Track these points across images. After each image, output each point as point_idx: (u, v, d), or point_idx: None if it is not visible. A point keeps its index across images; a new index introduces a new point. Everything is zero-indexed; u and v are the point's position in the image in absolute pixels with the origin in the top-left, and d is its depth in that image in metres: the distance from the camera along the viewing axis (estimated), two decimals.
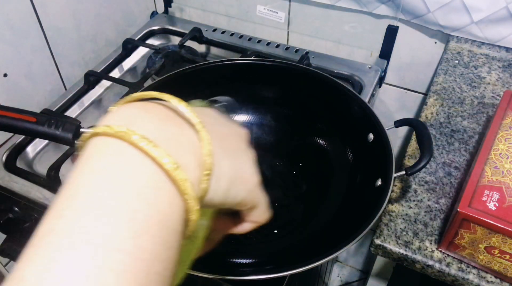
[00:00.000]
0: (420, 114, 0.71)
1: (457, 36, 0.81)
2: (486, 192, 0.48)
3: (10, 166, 0.70)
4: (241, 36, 0.94)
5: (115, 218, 0.20)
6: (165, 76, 0.65)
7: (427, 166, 0.60)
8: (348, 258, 1.43)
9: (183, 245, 0.24)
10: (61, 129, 0.55)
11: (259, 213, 0.32)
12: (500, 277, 0.51)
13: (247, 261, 0.54)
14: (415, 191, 0.59)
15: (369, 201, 0.51)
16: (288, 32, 0.96)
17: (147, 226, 0.21)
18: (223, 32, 0.95)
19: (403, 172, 0.52)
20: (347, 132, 0.64)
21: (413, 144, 0.65)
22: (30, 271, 0.19)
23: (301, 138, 0.69)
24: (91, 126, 0.74)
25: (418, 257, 0.53)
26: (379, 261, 0.70)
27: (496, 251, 0.48)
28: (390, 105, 1.00)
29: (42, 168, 0.71)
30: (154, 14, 1.04)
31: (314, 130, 0.68)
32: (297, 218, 0.61)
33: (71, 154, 0.71)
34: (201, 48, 0.94)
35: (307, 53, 0.88)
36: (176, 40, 0.96)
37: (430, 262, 0.53)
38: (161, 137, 0.23)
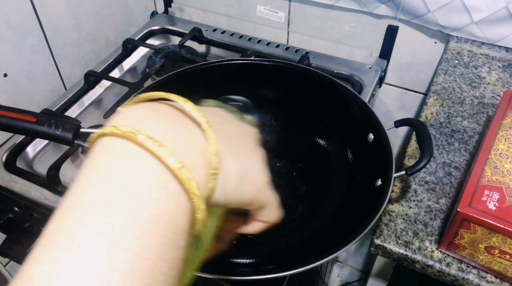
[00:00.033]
0: (420, 114, 0.71)
1: (457, 36, 0.81)
2: (486, 192, 0.48)
3: (10, 166, 0.70)
4: (241, 36, 0.94)
5: (122, 217, 0.20)
6: (165, 76, 0.65)
7: (427, 166, 0.60)
8: (348, 258, 1.44)
9: (190, 245, 0.24)
10: (61, 129, 0.55)
11: (270, 212, 0.32)
12: (500, 277, 0.51)
13: (247, 261, 0.54)
14: (415, 191, 0.59)
15: (369, 201, 0.51)
16: (288, 32, 0.96)
17: (153, 226, 0.21)
18: (223, 32, 0.95)
19: (403, 172, 0.52)
20: (347, 132, 0.64)
21: (413, 144, 0.65)
22: (37, 271, 0.19)
23: (301, 138, 0.69)
24: (94, 126, 0.75)
25: (418, 257, 0.53)
26: (379, 261, 0.70)
27: (496, 251, 0.48)
28: (390, 105, 1.00)
29: (42, 168, 0.71)
30: (154, 14, 1.04)
31: (314, 130, 0.68)
32: (297, 218, 0.61)
33: (71, 154, 0.71)
34: (201, 48, 0.94)
35: (307, 53, 0.88)
36: (176, 40, 0.96)
37: (430, 262, 0.53)
38: (167, 137, 0.23)
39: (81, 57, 0.89)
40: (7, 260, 0.85)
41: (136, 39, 0.94)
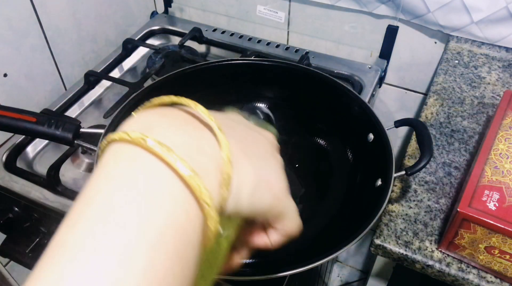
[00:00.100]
0: (420, 114, 0.71)
1: (457, 36, 0.81)
2: (486, 192, 0.48)
3: (10, 166, 0.70)
4: (241, 36, 0.94)
5: (129, 229, 0.20)
6: (165, 76, 0.65)
7: (427, 166, 0.60)
8: (348, 258, 1.43)
9: (203, 258, 0.23)
10: (61, 129, 0.56)
11: (289, 223, 0.30)
12: (500, 277, 0.51)
13: (247, 261, 0.54)
14: (415, 191, 0.59)
15: (369, 201, 0.51)
16: (288, 32, 0.96)
17: (162, 238, 0.20)
18: (223, 32, 0.95)
19: (403, 172, 0.52)
20: (347, 132, 0.64)
21: (413, 144, 0.65)
22: None
23: (301, 138, 0.69)
24: (94, 126, 0.74)
25: (418, 257, 0.53)
26: (379, 261, 0.70)
27: (496, 251, 0.48)
28: (390, 105, 1.00)
29: (42, 168, 0.71)
30: (154, 14, 1.04)
31: (314, 130, 0.68)
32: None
33: (71, 154, 0.71)
34: (201, 48, 0.94)
35: (307, 53, 0.88)
36: (176, 40, 0.96)
37: (430, 262, 0.53)
38: (178, 142, 0.22)
39: (81, 57, 0.89)
40: (7, 260, 0.85)
41: (136, 39, 0.94)
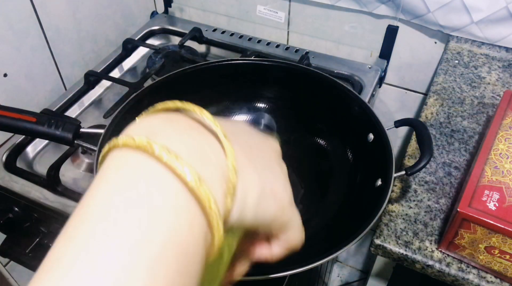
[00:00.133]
0: (420, 114, 0.71)
1: (457, 36, 0.81)
2: (486, 192, 0.48)
3: (10, 166, 0.70)
4: (241, 36, 0.94)
5: (129, 245, 0.18)
6: (165, 76, 0.65)
7: (427, 166, 0.60)
8: (348, 258, 1.44)
9: (204, 271, 0.22)
10: (61, 129, 0.56)
11: (292, 234, 0.29)
12: (500, 277, 0.51)
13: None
14: (415, 191, 0.59)
15: (369, 201, 0.51)
16: (288, 32, 0.96)
17: (163, 254, 0.19)
18: (223, 32, 0.95)
19: (403, 172, 0.52)
20: (347, 132, 0.64)
21: (413, 144, 0.65)
22: None
23: (301, 138, 0.69)
24: (94, 126, 0.74)
25: (418, 257, 0.53)
26: (379, 261, 0.70)
27: (496, 251, 0.48)
28: (390, 105, 1.00)
29: (42, 168, 0.71)
30: (154, 14, 1.04)
31: (314, 130, 0.68)
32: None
33: (71, 154, 0.71)
34: (201, 48, 0.94)
35: (307, 53, 0.88)
36: (176, 40, 0.96)
37: (430, 262, 0.53)
38: (183, 149, 0.21)
39: (81, 57, 0.89)
40: (7, 260, 0.85)
41: (136, 39, 0.94)
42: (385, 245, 0.54)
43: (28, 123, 0.55)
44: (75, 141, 0.56)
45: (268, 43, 0.92)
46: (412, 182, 0.60)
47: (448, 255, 0.53)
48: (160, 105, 0.25)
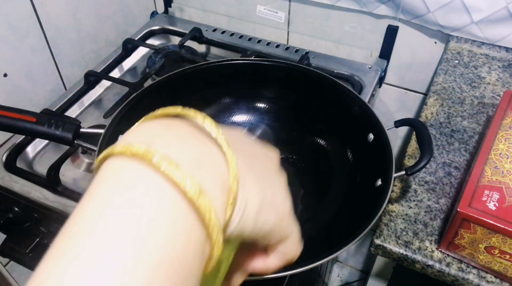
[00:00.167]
0: (420, 114, 0.71)
1: (457, 36, 0.81)
2: (486, 192, 0.48)
3: (10, 166, 0.70)
4: (241, 36, 0.94)
5: (123, 263, 0.17)
6: (165, 76, 0.65)
7: (427, 166, 0.60)
8: (348, 258, 1.44)
9: (201, 283, 0.21)
10: (61, 129, 0.56)
11: (289, 246, 0.28)
12: (500, 277, 0.51)
13: None
14: (415, 191, 0.59)
15: (369, 201, 0.51)
16: (288, 32, 0.96)
17: (159, 269, 0.18)
18: (223, 32, 0.95)
19: (403, 172, 0.52)
20: (347, 132, 0.64)
21: (413, 144, 0.65)
22: None
23: (301, 138, 0.69)
24: (94, 126, 0.74)
25: (418, 257, 0.53)
26: (379, 261, 0.70)
27: (496, 251, 0.48)
28: (390, 105, 1.00)
29: (42, 168, 0.71)
30: (154, 14, 1.04)
31: (314, 130, 0.68)
32: (297, 218, 0.60)
33: (71, 154, 0.71)
34: (201, 48, 0.94)
35: (307, 53, 0.88)
36: (176, 40, 0.96)
37: (430, 262, 0.53)
38: (184, 158, 0.20)
39: (81, 57, 0.89)
40: (7, 260, 0.85)
41: (136, 39, 0.94)
42: (385, 245, 0.54)
43: (28, 123, 0.55)
44: (75, 141, 0.56)
45: (268, 43, 0.92)
46: (412, 182, 0.60)
47: (448, 255, 0.53)
48: (160, 111, 0.24)
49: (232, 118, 0.70)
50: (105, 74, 0.85)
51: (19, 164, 0.71)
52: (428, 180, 0.60)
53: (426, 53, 0.87)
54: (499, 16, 0.74)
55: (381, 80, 0.88)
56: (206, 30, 0.95)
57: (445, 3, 0.75)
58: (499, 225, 0.45)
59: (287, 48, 0.91)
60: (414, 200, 0.58)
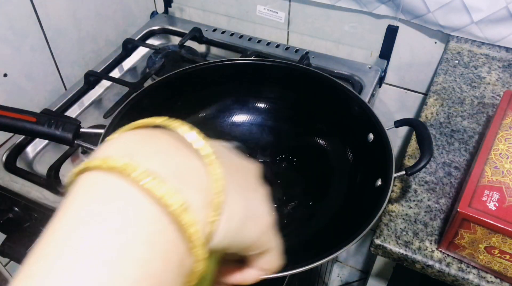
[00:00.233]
0: (420, 114, 0.71)
1: (457, 36, 0.81)
2: (486, 192, 0.48)
3: (10, 166, 0.70)
4: (241, 36, 0.94)
5: (95, 284, 0.17)
6: (165, 76, 0.65)
7: (427, 166, 0.60)
8: (348, 258, 1.44)
9: None
10: (61, 129, 0.56)
11: (270, 259, 0.27)
12: (500, 277, 0.51)
13: None
14: (415, 191, 0.59)
15: (369, 201, 0.51)
16: (288, 32, 0.96)
17: None
18: (223, 32, 0.95)
19: (403, 172, 0.52)
20: (347, 132, 0.64)
21: (413, 144, 0.65)
22: None
23: (301, 138, 0.69)
24: (94, 126, 0.74)
25: (418, 257, 0.53)
26: (379, 261, 0.70)
27: (496, 251, 0.48)
28: (390, 105, 1.00)
29: (42, 168, 0.71)
30: (154, 14, 1.04)
31: (314, 130, 0.68)
32: (297, 218, 0.61)
33: (71, 154, 0.71)
34: (201, 48, 0.94)
35: (307, 53, 0.88)
36: (176, 40, 0.96)
37: (430, 262, 0.53)
38: (164, 171, 0.20)
39: (81, 57, 0.89)
40: (7, 260, 0.85)
41: (136, 39, 0.94)
42: (385, 245, 0.54)
43: (28, 123, 0.55)
44: (75, 141, 0.56)
45: (268, 43, 0.92)
46: (412, 182, 0.60)
47: (448, 255, 0.53)
48: (139, 122, 0.23)
49: (232, 118, 0.70)
50: (105, 74, 0.85)
51: (19, 164, 0.71)
52: (428, 180, 0.60)
53: (426, 53, 0.87)
54: (499, 16, 0.74)
55: (381, 80, 0.88)
56: (206, 30, 0.95)
57: (445, 3, 0.76)
58: (499, 225, 0.45)
59: (287, 48, 0.91)
60: (414, 200, 0.58)
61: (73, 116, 0.80)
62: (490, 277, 0.51)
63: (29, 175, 0.68)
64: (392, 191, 0.59)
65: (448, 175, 0.61)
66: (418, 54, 0.88)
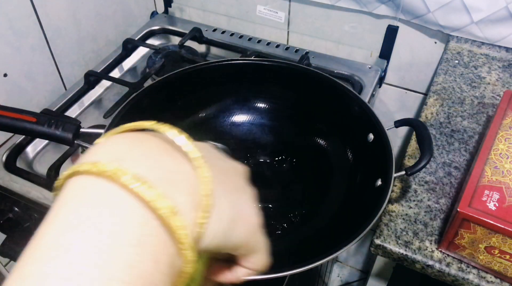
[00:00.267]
0: (420, 114, 0.71)
1: (457, 36, 0.81)
2: (486, 192, 0.48)
3: (10, 166, 0.70)
4: (241, 36, 0.94)
5: None
6: (165, 76, 0.65)
7: (427, 166, 0.60)
8: (348, 258, 1.43)
9: None
10: (61, 129, 0.56)
11: (258, 258, 0.28)
12: (500, 277, 0.51)
13: None
14: (415, 191, 0.59)
15: (369, 201, 0.51)
16: (288, 32, 0.96)
17: None
18: (223, 32, 0.95)
19: (403, 172, 0.52)
20: (347, 132, 0.64)
21: (413, 144, 0.65)
22: None
23: (301, 138, 0.69)
24: (94, 126, 0.74)
25: (418, 257, 0.53)
26: (379, 261, 0.70)
27: (496, 251, 0.48)
28: (390, 105, 1.00)
29: (42, 168, 0.71)
30: (154, 14, 1.04)
31: (314, 130, 0.68)
32: (297, 218, 0.61)
33: (71, 154, 0.71)
34: (201, 48, 0.94)
35: (307, 53, 0.88)
36: (176, 40, 0.96)
37: (430, 262, 0.53)
38: (152, 174, 0.20)
39: (81, 57, 0.89)
40: (7, 260, 0.85)
41: (136, 39, 0.94)
42: (385, 245, 0.54)
43: (28, 123, 0.55)
44: (75, 141, 0.56)
45: (268, 43, 0.92)
46: (412, 182, 0.60)
47: (448, 255, 0.53)
48: (126, 125, 0.23)
49: (232, 118, 0.70)
50: (105, 74, 0.85)
51: (19, 164, 0.71)
52: (428, 180, 0.60)
53: (426, 53, 0.87)
54: (499, 16, 0.74)
55: (381, 80, 0.88)
56: (206, 30, 0.95)
57: (445, 3, 0.76)
58: (499, 225, 0.45)
59: (287, 48, 0.91)
60: (414, 200, 0.58)
61: (73, 116, 0.80)
62: (490, 277, 0.51)
63: (29, 175, 0.68)
64: (392, 191, 0.59)
65: (448, 175, 0.61)
66: (418, 54, 0.88)
